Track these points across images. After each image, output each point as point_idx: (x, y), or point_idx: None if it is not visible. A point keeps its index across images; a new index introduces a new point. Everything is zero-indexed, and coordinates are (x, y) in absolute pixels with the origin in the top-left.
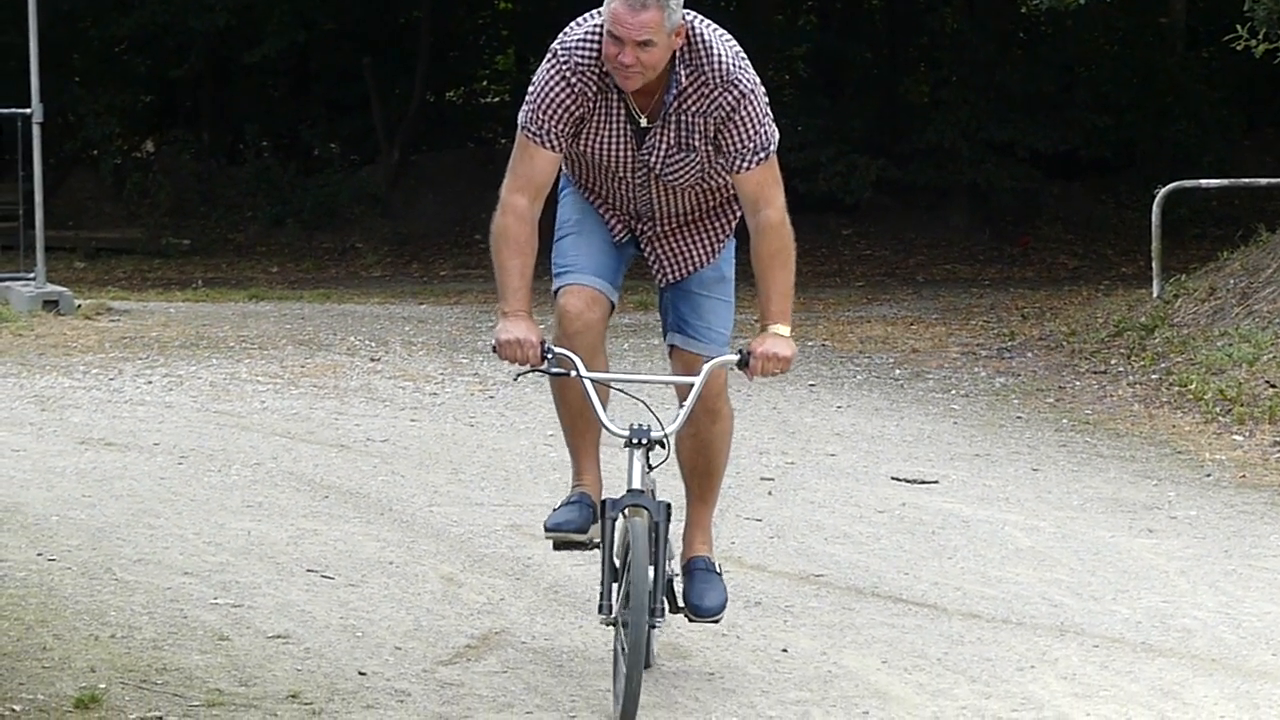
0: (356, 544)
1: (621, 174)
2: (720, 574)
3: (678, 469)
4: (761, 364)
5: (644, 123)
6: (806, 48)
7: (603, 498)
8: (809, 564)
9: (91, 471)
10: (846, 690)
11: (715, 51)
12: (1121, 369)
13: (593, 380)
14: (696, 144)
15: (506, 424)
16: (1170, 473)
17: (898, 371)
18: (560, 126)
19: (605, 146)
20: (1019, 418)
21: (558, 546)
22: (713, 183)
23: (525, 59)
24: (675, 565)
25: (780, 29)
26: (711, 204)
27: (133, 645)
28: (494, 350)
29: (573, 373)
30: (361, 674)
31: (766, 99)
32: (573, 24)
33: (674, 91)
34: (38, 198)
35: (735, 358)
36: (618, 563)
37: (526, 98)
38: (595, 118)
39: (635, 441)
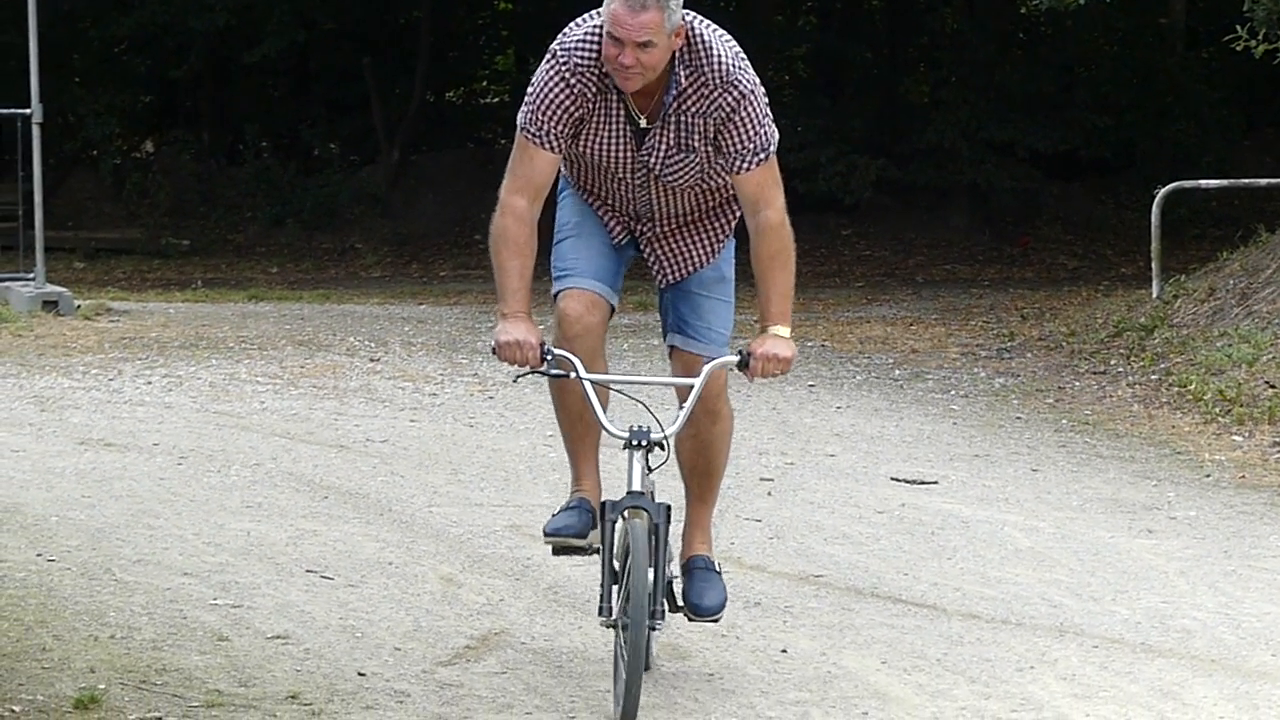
0: (356, 544)
1: (621, 175)
2: (720, 573)
3: (677, 469)
4: (761, 365)
5: (643, 123)
6: (806, 48)
7: (602, 500)
8: (808, 564)
9: (91, 472)
10: (846, 691)
11: (715, 52)
12: (1121, 369)
13: (592, 382)
14: (696, 145)
15: (506, 424)
16: (1170, 473)
17: (897, 372)
18: (560, 128)
19: (605, 147)
20: (1018, 418)
21: (557, 552)
22: (712, 183)
23: (525, 59)
24: (675, 567)
25: (780, 29)
26: (711, 204)
27: (132, 646)
28: (493, 352)
29: (572, 374)
30: (361, 675)
31: (766, 99)
32: (572, 24)
33: (673, 92)
34: (37, 198)
35: (735, 359)
36: (617, 565)
37: (525, 98)
38: (595, 118)
39: (635, 443)
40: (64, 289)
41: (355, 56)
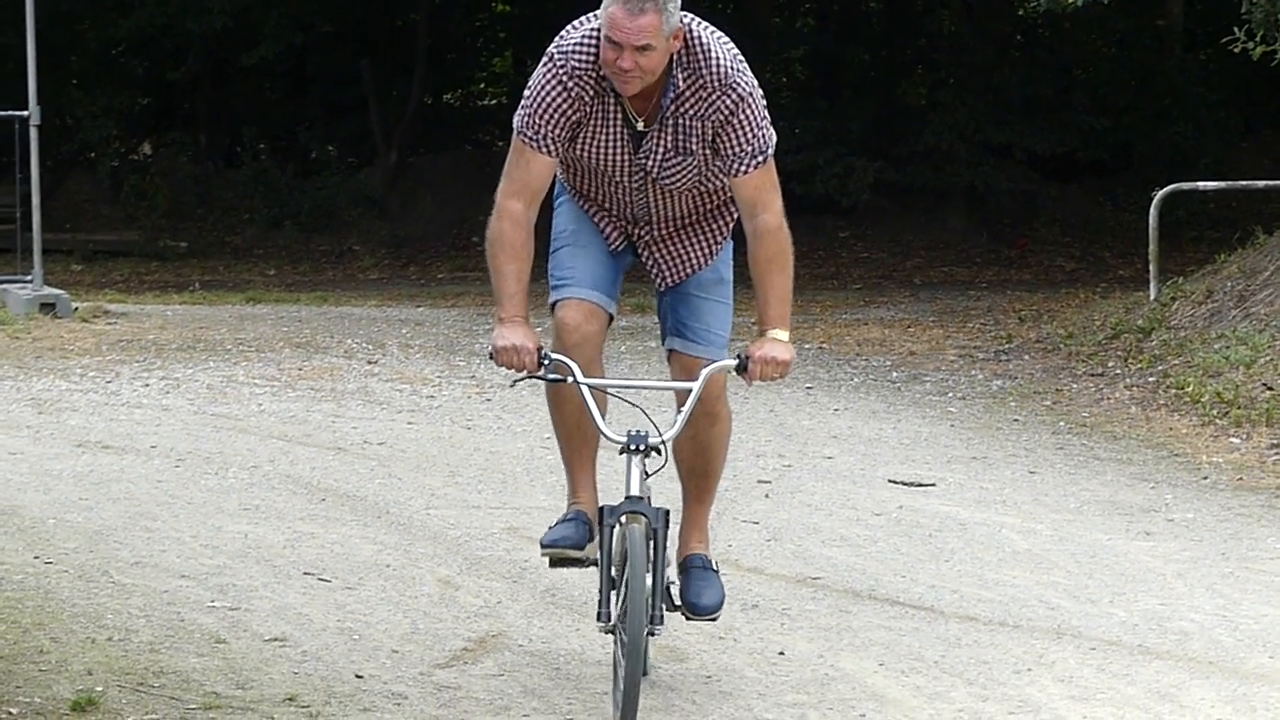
0: (353, 547)
1: (618, 178)
2: (717, 572)
3: (675, 471)
4: (760, 368)
5: (641, 126)
6: (804, 50)
7: (600, 505)
8: (806, 567)
9: (88, 474)
10: (843, 693)
11: (713, 54)
12: (1119, 372)
13: (589, 386)
14: (694, 148)
15: (504, 427)
16: (1167, 475)
17: (895, 374)
18: (557, 131)
19: (602, 151)
20: (1016, 420)
21: (554, 564)
22: (710, 186)
23: (522, 61)
24: (673, 572)
25: (778, 31)
26: (709, 207)
27: (130, 648)
28: (490, 357)
29: (569, 379)
30: (359, 677)
31: (764, 102)
32: (569, 27)
33: (671, 95)
34: (35, 200)
35: (733, 363)
36: (615, 571)
37: (522, 101)
38: (592, 122)
39: (632, 448)
40: (61, 291)
41: (353, 59)
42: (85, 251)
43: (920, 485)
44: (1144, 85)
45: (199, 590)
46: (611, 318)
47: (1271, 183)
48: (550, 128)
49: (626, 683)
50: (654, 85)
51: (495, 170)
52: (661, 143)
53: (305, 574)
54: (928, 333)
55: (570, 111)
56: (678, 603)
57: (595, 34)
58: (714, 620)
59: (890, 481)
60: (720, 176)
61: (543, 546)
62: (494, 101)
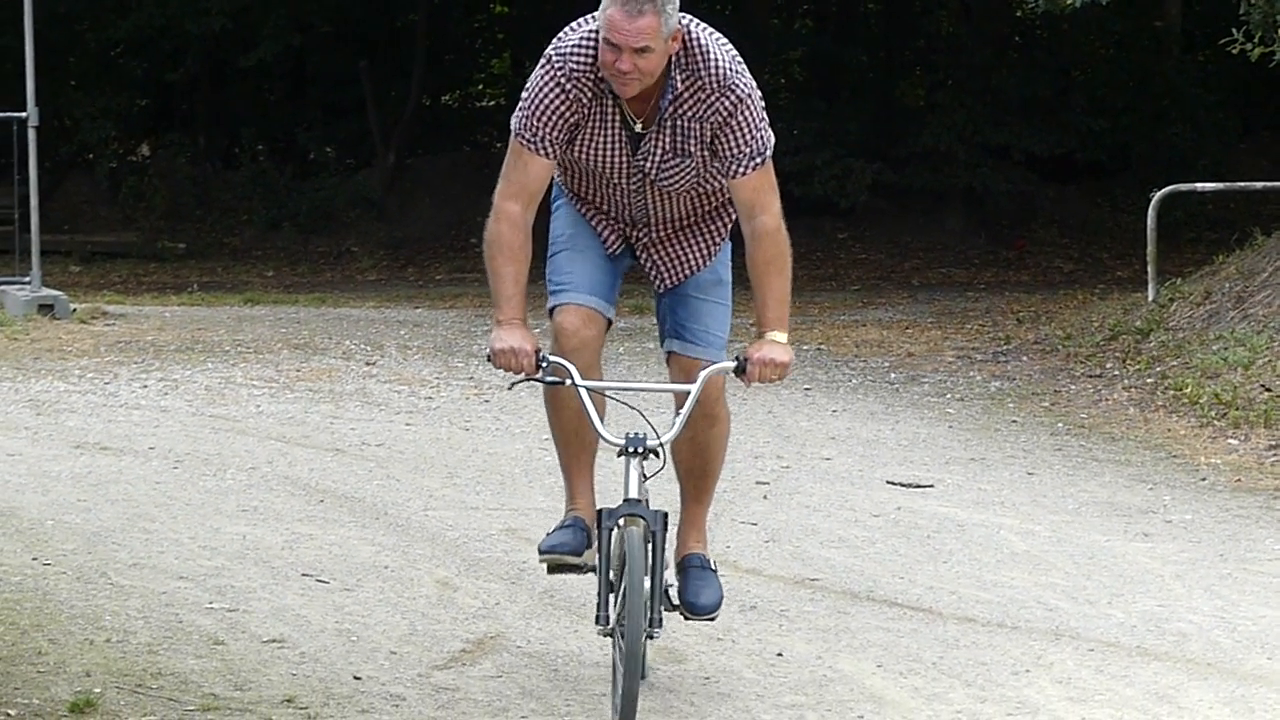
0: (351, 548)
1: (616, 180)
2: (715, 571)
3: (673, 471)
4: (759, 370)
5: (639, 128)
6: (802, 51)
7: (598, 508)
8: (804, 568)
9: (87, 476)
10: (842, 694)
11: (712, 56)
12: (1117, 373)
13: (588, 389)
14: (692, 149)
15: (502, 428)
16: (1165, 477)
17: (893, 375)
18: (555, 133)
19: (600, 152)
20: (1014, 422)
21: (552, 569)
22: (708, 187)
23: (521, 63)
24: (671, 575)
25: (776, 32)
26: (707, 208)
27: (128, 650)
28: (488, 359)
29: (568, 381)
30: (356, 678)
31: (763, 103)
32: (567, 29)
33: (669, 97)
34: (33, 201)
35: (732, 364)
36: (613, 574)
37: (520, 104)
38: (590, 124)
39: (631, 450)
40: (60, 292)
41: (351, 60)
42: (83, 253)
43: (918, 486)
44: (1142, 86)
45: (197, 592)
46: (610, 322)
47: (1269, 184)
48: (548, 130)
49: (625, 686)
50: (652, 87)
51: (493, 171)
52: (660, 144)
53: (303, 575)
54: (926, 334)
55: (568, 113)
56: (676, 602)
57: (593, 36)
58: (712, 620)
59: (888, 483)
60: (718, 178)
61: (540, 553)
62: (492, 103)
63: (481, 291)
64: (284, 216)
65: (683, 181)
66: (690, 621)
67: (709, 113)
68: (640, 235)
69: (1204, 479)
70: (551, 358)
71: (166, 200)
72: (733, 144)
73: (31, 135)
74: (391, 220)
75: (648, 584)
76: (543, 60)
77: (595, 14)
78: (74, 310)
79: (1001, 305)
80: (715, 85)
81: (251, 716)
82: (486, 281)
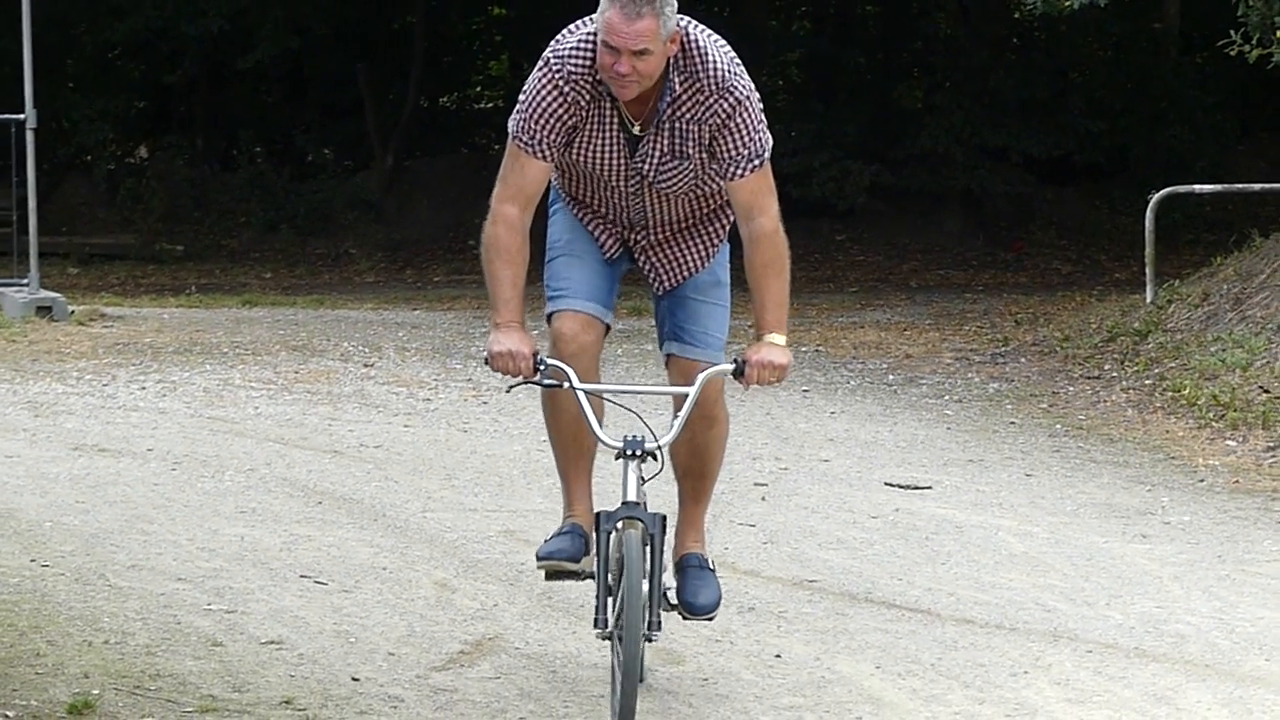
0: (350, 550)
1: (614, 183)
2: (714, 570)
3: (672, 472)
4: (757, 373)
5: (637, 130)
6: (800, 53)
7: (596, 510)
8: (802, 569)
9: (85, 478)
10: (840, 696)
11: (710, 58)
12: (1115, 374)
13: (586, 391)
14: (690, 151)
15: (500, 429)
16: (1164, 478)
17: (891, 377)
18: (552, 136)
19: (598, 155)
20: (1012, 423)
21: (550, 576)
22: (706, 189)
23: (519, 64)
24: (669, 578)
25: (774, 34)
26: (705, 210)
27: (126, 651)
28: (486, 362)
29: (565, 384)
30: (355, 680)
31: (761, 105)
32: (565, 31)
33: (668, 99)
34: (31, 203)
35: (730, 367)
36: (612, 578)
37: (518, 106)
38: (588, 126)
39: (629, 453)
40: (58, 294)
41: (349, 62)
42: (81, 255)
43: (917, 488)
44: (1140, 88)
45: (195, 593)
46: (608, 328)
47: (1268, 186)
48: (545, 133)
49: (623, 689)
50: (650, 89)
51: (491, 173)
52: (658, 146)
53: (302, 577)
54: (924, 336)
55: (566, 116)
56: (674, 602)
57: (591, 38)
58: (711, 619)
59: (887, 484)
60: (716, 180)
61: (538, 559)
62: (490, 105)
63: (479, 293)
64: (282, 218)
65: (681, 184)
66: (688, 621)
67: (707, 115)
68: (638, 238)
69: (1202, 480)
70: (549, 360)
71: (164, 202)
72: (731, 146)
73: (29, 137)
74: (389, 222)
75: (646, 587)
76: (540, 63)
77: (593, 16)
78: (72, 312)
79: (999, 307)
80: (714, 87)
81: (250, 718)
82: (484, 283)
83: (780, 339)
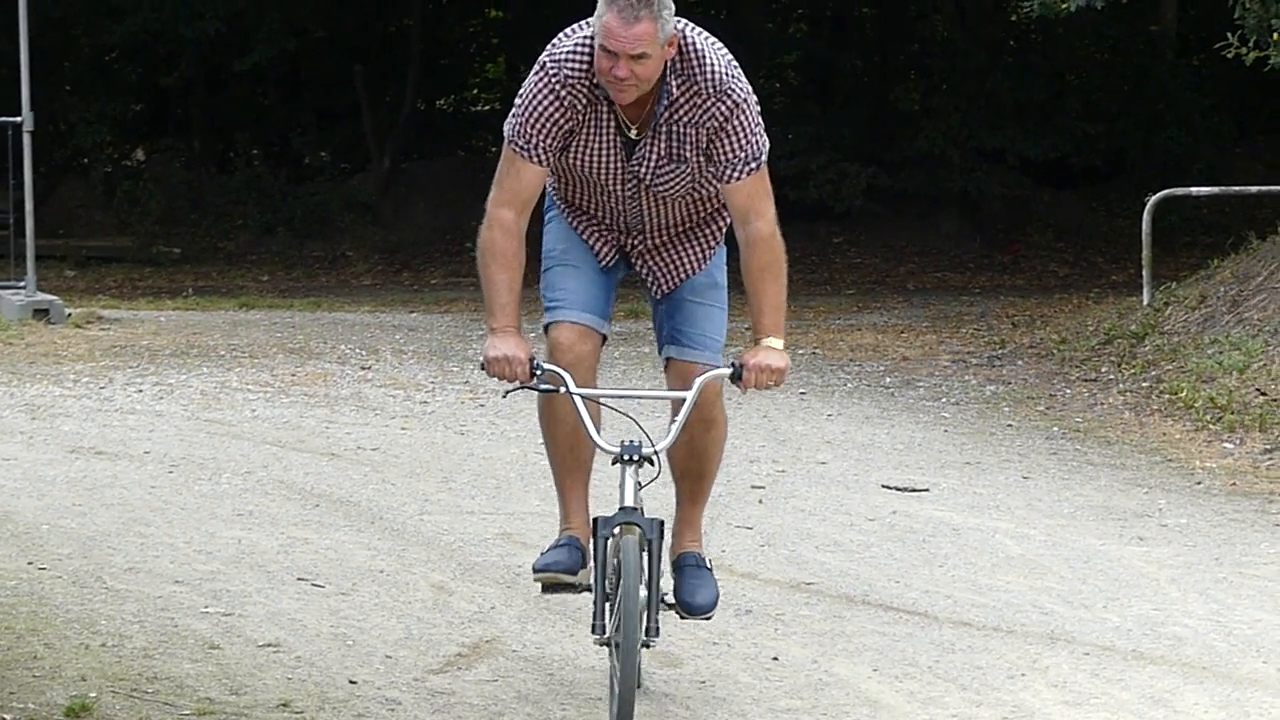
0: (347, 552)
1: (611, 186)
2: (711, 570)
3: (669, 474)
4: (754, 376)
5: (634, 134)
6: (797, 55)
7: (594, 515)
8: (800, 572)
9: (82, 480)
10: (837, 698)
11: (708, 61)
12: (1112, 377)
13: (583, 397)
14: (687, 155)
15: (497, 432)
16: (1161, 480)
17: (888, 379)
18: (549, 141)
19: (594, 159)
20: (1009, 426)
21: (546, 588)
22: (703, 192)
23: (516, 67)
24: (667, 581)
25: (770, 37)
26: (702, 213)
27: (123, 654)
28: (482, 367)
29: (562, 389)
30: (352, 682)
31: (759, 108)
32: (561, 35)
33: (665, 102)
34: (28, 206)
35: (728, 371)
36: (609, 583)
37: (514, 110)
38: (584, 130)
39: (626, 458)
40: (55, 297)
41: (346, 64)
42: (78, 257)
43: (914, 490)
44: (1137, 91)
45: (193, 596)
46: (605, 338)
47: (1264, 188)
48: (542, 137)
49: (621, 695)
50: (648, 93)
51: (488, 176)
52: (655, 150)
53: (299, 580)
54: (921, 338)
55: (562, 120)
56: (671, 602)
57: (588, 42)
58: (708, 619)
59: (884, 487)
60: (713, 183)
61: (535, 572)
62: (487, 107)
63: (476, 296)
64: (279, 221)
65: (678, 187)
66: (686, 620)
67: (705, 118)
68: (635, 242)
69: (1199, 483)
70: (546, 365)
71: (161, 205)
72: (728, 149)
73: (26, 140)
74: (386, 225)
75: (644, 593)
76: (537, 66)
77: (590, 20)
78: (69, 315)
79: (996, 309)
80: (711, 90)
81: None
82: (481, 286)
83: (777, 343)
